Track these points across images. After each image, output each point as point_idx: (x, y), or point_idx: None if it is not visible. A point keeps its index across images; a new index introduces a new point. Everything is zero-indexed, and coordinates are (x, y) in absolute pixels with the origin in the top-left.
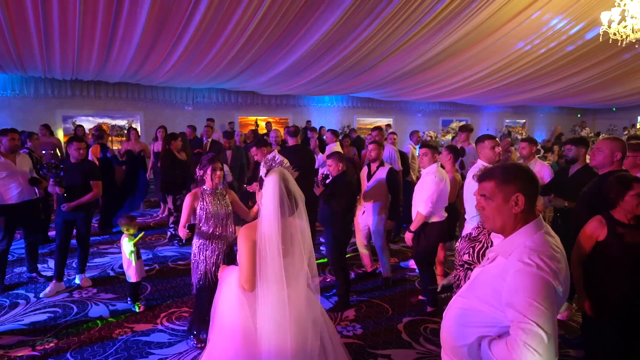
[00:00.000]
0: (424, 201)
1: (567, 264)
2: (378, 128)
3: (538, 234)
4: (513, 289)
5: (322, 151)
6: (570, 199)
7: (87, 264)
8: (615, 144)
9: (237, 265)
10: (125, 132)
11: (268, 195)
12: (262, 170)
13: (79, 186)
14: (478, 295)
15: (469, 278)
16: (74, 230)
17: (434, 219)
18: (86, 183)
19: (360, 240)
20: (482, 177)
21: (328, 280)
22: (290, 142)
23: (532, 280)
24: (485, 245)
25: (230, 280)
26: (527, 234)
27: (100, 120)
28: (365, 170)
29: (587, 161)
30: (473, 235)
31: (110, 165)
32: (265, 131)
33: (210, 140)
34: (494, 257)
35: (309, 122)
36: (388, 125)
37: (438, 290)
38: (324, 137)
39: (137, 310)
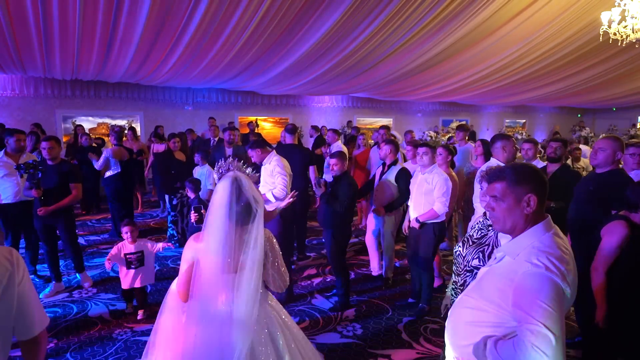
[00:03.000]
0: (439, 200)
1: (575, 266)
2: (386, 127)
3: (547, 234)
4: (521, 290)
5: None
6: (551, 199)
7: (87, 264)
8: (617, 143)
9: None
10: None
11: (215, 202)
12: (215, 178)
13: (56, 189)
14: (485, 295)
15: None
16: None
17: (441, 218)
18: (64, 185)
19: (370, 241)
20: (492, 178)
21: (328, 280)
22: (288, 140)
23: (540, 282)
24: (493, 247)
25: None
26: (535, 234)
27: (100, 120)
28: (379, 170)
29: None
30: (475, 238)
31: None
32: (247, 131)
33: (217, 139)
34: (501, 257)
35: (349, 122)
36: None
37: (442, 315)
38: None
39: (126, 311)
